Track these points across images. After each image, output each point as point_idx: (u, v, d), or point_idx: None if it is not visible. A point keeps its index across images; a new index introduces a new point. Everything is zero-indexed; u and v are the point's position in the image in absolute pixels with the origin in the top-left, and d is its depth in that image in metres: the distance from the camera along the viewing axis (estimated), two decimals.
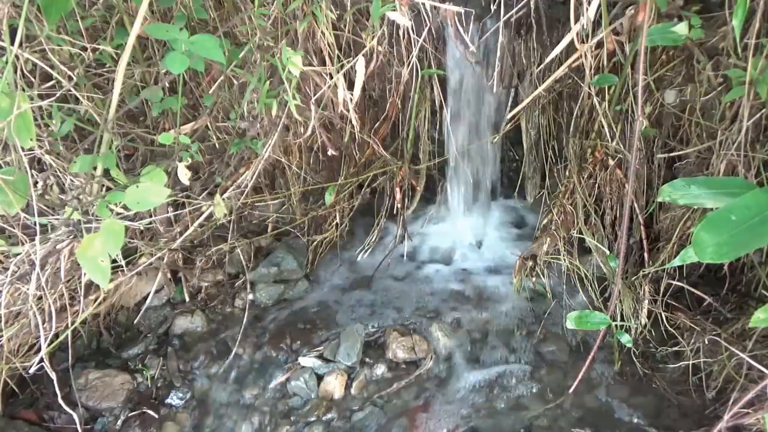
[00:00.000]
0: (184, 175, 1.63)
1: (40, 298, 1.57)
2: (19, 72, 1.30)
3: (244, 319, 2.21)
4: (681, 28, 1.52)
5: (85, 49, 1.50)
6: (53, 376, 1.51)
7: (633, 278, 2.13)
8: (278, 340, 2.25)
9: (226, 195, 1.85)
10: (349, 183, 2.55)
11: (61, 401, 1.53)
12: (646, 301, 2.07)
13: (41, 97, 1.43)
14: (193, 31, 1.46)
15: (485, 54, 2.26)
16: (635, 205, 2.13)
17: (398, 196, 2.55)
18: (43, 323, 1.55)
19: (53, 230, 1.50)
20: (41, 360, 1.51)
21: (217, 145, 2.05)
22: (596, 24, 1.77)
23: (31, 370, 1.55)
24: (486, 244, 2.71)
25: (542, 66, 2.15)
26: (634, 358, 2.08)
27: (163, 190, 1.43)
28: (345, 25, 1.99)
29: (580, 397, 2.01)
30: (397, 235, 2.65)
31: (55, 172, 1.50)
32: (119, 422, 1.98)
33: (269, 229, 2.59)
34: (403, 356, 2.17)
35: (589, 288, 2.23)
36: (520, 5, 1.87)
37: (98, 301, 1.91)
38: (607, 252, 2.16)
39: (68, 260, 1.56)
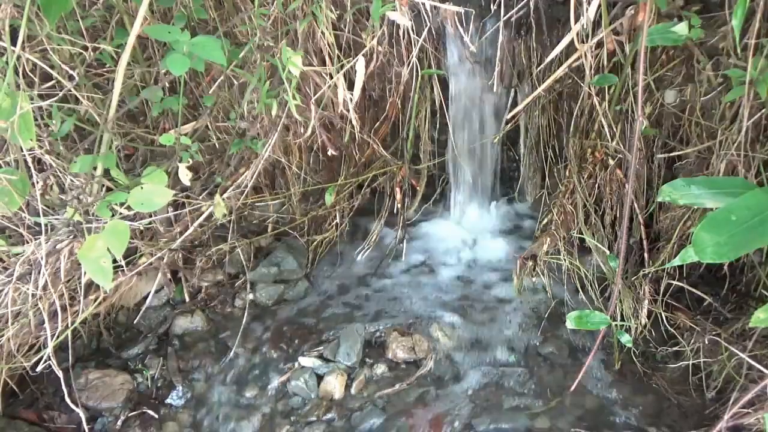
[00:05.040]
0: (185, 176, 1.63)
1: (41, 297, 1.57)
2: (20, 72, 1.30)
3: (244, 319, 2.21)
4: (681, 28, 1.52)
5: (85, 48, 1.50)
6: (60, 374, 1.52)
7: (633, 278, 2.13)
8: (278, 340, 2.25)
9: (226, 195, 1.85)
10: (349, 183, 2.55)
11: (68, 400, 1.54)
12: (646, 301, 2.07)
13: (41, 97, 1.43)
14: (193, 31, 1.47)
15: (485, 54, 2.26)
16: (635, 205, 2.13)
17: (398, 196, 2.55)
18: (47, 322, 1.55)
19: (53, 230, 1.50)
20: (48, 358, 1.51)
21: (217, 145, 2.05)
22: (596, 24, 1.77)
23: (39, 369, 1.55)
24: (486, 244, 2.71)
25: (542, 66, 2.15)
26: (634, 358, 2.08)
27: (167, 191, 1.43)
28: (345, 25, 1.99)
29: (580, 397, 2.01)
30: (397, 235, 2.65)
31: (55, 172, 1.50)
32: (119, 422, 1.98)
33: (269, 229, 2.59)
34: (403, 356, 2.17)
35: (589, 288, 2.23)
36: (520, 5, 1.87)
37: (98, 301, 1.90)
38: (607, 252, 2.16)
39: (68, 260, 1.56)
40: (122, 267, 1.78)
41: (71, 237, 1.49)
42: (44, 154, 1.45)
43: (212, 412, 2.05)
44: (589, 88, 1.93)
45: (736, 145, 1.80)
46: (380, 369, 2.13)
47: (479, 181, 2.70)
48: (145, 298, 2.25)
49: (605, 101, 2.00)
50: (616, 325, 1.72)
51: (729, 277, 2.23)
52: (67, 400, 1.54)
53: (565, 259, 2.23)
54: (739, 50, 1.70)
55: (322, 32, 1.83)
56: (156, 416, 2.00)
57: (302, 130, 2.04)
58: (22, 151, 1.31)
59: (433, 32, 2.18)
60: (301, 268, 2.51)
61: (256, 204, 2.52)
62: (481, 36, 2.12)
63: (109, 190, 1.51)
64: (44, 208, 1.48)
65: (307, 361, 2.15)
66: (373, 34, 1.84)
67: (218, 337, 2.27)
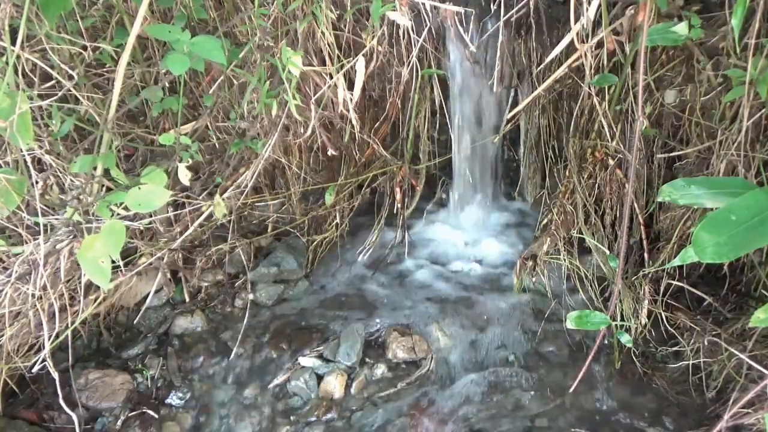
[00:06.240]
0: (185, 176, 1.63)
1: (41, 298, 1.57)
2: (19, 72, 1.30)
3: (244, 319, 2.21)
4: (681, 28, 1.52)
5: (85, 48, 1.50)
6: (56, 376, 1.51)
7: (633, 278, 2.13)
8: (278, 340, 2.25)
9: (226, 195, 1.85)
10: (349, 183, 2.55)
11: (62, 402, 1.53)
12: (646, 301, 2.07)
13: (41, 97, 1.43)
14: (193, 31, 1.46)
15: (485, 54, 2.26)
16: (635, 205, 2.13)
17: (398, 196, 2.55)
18: (44, 323, 1.55)
19: (53, 230, 1.50)
20: (43, 360, 1.50)
21: (217, 145, 2.06)
22: (596, 24, 1.77)
23: (34, 370, 1.55)
24: (486, 244, 2.71)
25: (542, 66, 2.15)
26: (634, 358, 2.08)
27: (165, 192, 1.43)
28: (345, 25, 1.99)
29: (580, 397, 2.01)
30: (397, 235, 2.65)
31: (55, 172, 1.50)
32: (119, 422, 1.98)
33: (269, 229, 2.59)
34: (403, 356, 2.17)
35: (589, 288, 2.23)
36: (520, 5, 1.87)
37: (98, 301, 1.90)
38: (607, 252, 2.16)
39: (68, 260, 1.56)
40: (121, 267, 1.78)
41: (71, 237, 1.49)
42: (44, 154, 1.45)
43: (212, 412, 2.05)
44: (589, 88, 1.93)
45: (736, 145, 1.80)
46: (380, 369, 2.13)
47: (479, 180, 2.70)
48: (145, 298, 2.25)
49: (605, 101, 2.00)
50: (616, 325, 1.72)
51: (729, 277, 2.23)
52: (62, 402, 1.53)
53: (565, 259, 2.23)
54: (739, 50, 1.70)
55: (322, 32, 1.83)
56: (156, 416, 2.00)
57: (302, 130, 2.04)
58: (21, 150, 1.31)
59: (433, 32, 2.18)
60: (301, 268, 2.51)
61: (256, 204, 2.52)
62: (481, 36, 2.12)
63: (109, 190, 1.51)
64: (44, 208, 1.48)
65: (307, 361, 2.15)
66: (373, 34, 1.84)
67: (218, 337, 2.27)
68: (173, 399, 2.08)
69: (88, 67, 1.65)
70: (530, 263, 2.33)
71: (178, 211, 1.94)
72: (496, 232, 2.76)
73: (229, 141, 1.99)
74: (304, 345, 2.23)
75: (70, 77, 1.43)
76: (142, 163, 1.92)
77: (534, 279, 2.36)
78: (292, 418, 2.02)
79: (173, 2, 1.66)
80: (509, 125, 2.43)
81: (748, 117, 1.72)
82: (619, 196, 2.19)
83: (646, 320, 2.08)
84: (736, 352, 1.71)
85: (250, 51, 1.70)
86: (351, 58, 1.79)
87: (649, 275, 2.09)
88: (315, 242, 2.58)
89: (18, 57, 1.25)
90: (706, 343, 1.99)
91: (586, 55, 1.77)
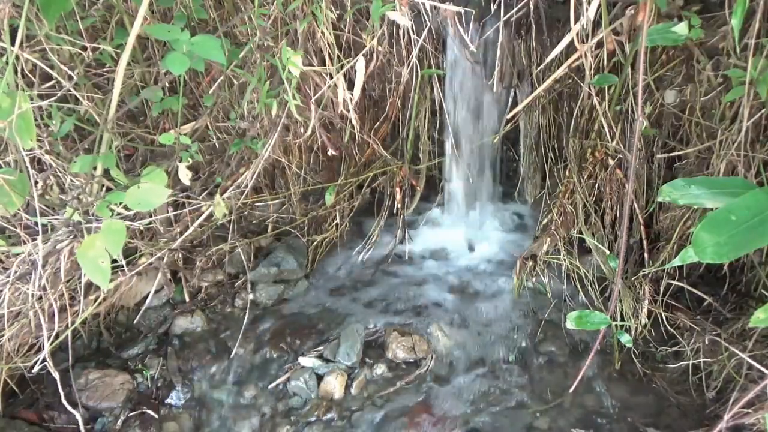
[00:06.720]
0: (185, 176, 1.63)
1: (41, 298, 1.57)
2: (19, 72, 1.30)
3: (244, 319, 2.21)
4: (681, 28, 1.52)
5: (85, 49, 1.50)
6: (56, 376, 1.51)
7: (633, 278, 2.13)
8: (278, 340, 2.25)
9: (226, 195, 1.85)
10: (349, 183, 2.55)
11: (64, 401, 1.53)
12: (646, 301, 2.07)
13: (41, 97, 1.43)
14: (193, 31, 1.46)
15: (485, 54, 2.26)
16: (635, 205, 2.13)
17: (398, 196, 2.55)
18: (44, 323, 1.55)
19: (53, 230, 1.50)
20: (44, 360, 1.50)
21: (217, 145, 2.05)
22: (596, 24, 1.77)
23: (35, 370, 1.55)
24: (486, 244, 2.71)
25: (542, 66, 2.15)
26: (634, 358, 2.08)
27: (163, 191, 1.43)
28: (345, 25, 1.99)
29: (580, 397, 2.01)
30: (397, 235, 2.65)
31: (55, 172, 1.50)
32: (119, 422, 1.98)
33: (269, 229, 2.59)
34: (403, 356, 2.17)
35: (589, 288, 2.23)
36: (520, 5, 1.87)
37: (98, 301, 1.90)
38: (607, 252, 2.16)
39: (68, 260, 1.56)
40: (122, 267, 1.78)
41: (71, 237, 1.49)
42: (44, 154, 1.45)
43: (212, 412, 2.05)
44: (589, 88, 1.93)
45: (736, 145, 1.80)
46: (380, 369, 2.13)
47: (479, 181, 2.70)
48: (145, 298, 2.25)
49: (605, 101, 2.00)
50: (616, 325, 1.72)
51: (729, 277, 2.23)
52: (64, 402, 1.52)
53: (565, 259, 2.23)
54: (738, 50, 1.70)
55: (322, 32, 1.83)
56: (156, 416, 2.00)
57: (302, 130, 2.04)
58: (21, 151, 1.31)
59: (433, 32, 2.18)
60: (301, 268, 2.51)
61: (256, 204, 2.52)
62: (481, 36, 2.12)
63: (109, 190, 1.51)
64: (44, 208, 1.48)
65: (307, 361, 2.15)
66: (373, 34, 1.84)
67: (218, 337, 2.27)
68: (173, 399, 2.08)
69: (88, 67, 1.65)
70: (530, 263, 2.33)
71: (178, 211, 1.94)
72: (496, 232, 2.76)
73: (229, 141, 1.99)
74: (304, 345, 2.23)
75: (70, 77, 1.43)
76: (142, 163, 1.92)
77: (534, 279, 2.36)
78: (292, 418, 2.02)
79: (173, 2, 1.66)
80: (509, 125, 2.43)
81: (748, 117, 1.72)
82: (619, 196, 2.19)
83: (646, 320, 2.08)
84: (737, 352, 1.71)
85: (250, 51, 1.70)
86: (351, 58, 1.79)
87: (649, 275, 2.09)
88: (315, 242, 2.58)
89: (17, 57, 1.25)
90: (706, 342, 1.99)
91: (586, 55, 1.77)
